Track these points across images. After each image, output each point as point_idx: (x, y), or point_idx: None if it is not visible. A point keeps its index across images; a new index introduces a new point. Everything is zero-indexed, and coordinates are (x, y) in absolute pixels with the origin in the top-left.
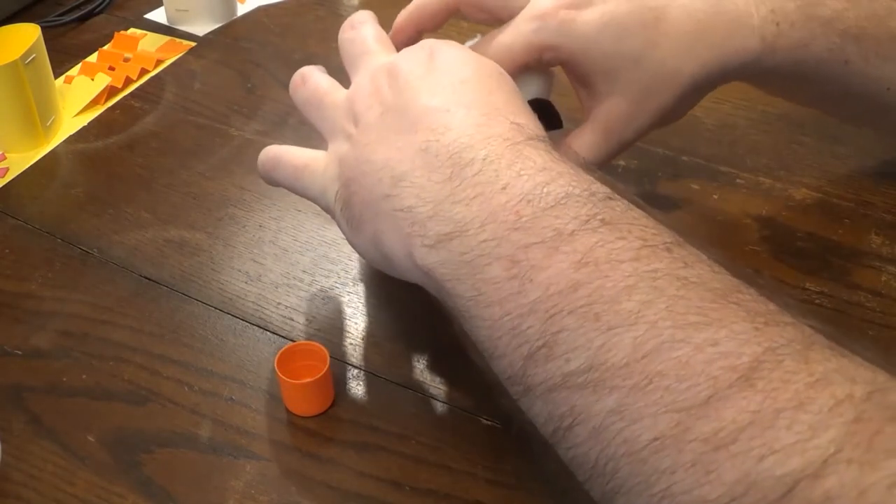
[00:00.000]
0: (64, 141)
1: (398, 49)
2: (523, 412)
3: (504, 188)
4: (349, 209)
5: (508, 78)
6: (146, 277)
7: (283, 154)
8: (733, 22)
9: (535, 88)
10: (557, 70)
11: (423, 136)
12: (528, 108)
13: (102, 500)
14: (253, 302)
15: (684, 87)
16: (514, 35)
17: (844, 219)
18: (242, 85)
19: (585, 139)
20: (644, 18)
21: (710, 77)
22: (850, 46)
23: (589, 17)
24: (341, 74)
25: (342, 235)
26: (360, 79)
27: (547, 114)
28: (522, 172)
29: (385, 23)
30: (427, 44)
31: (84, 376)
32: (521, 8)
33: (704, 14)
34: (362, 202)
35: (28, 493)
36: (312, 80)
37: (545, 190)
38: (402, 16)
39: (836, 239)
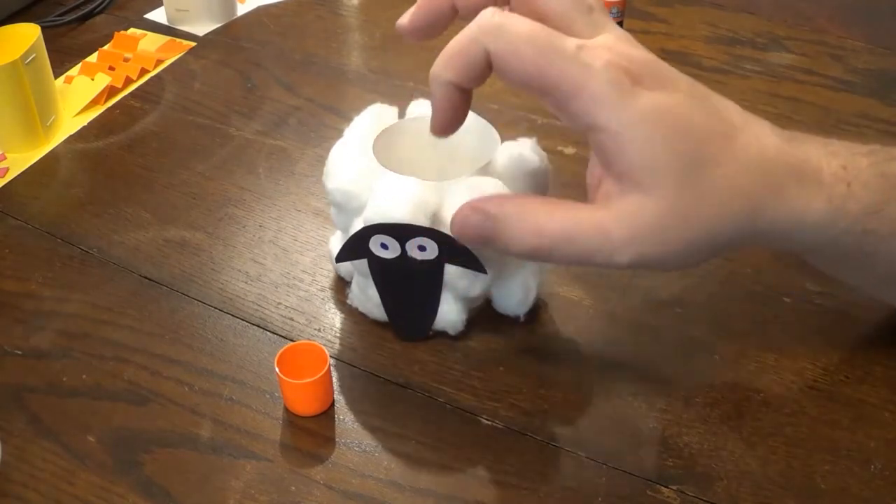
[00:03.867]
0: (64, 141)
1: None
2: None
3: None
4: None
5: None
6: (146, 277)
7: None
8: (802, 170)
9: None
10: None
11: None
12: None
13: (102, 500)
14: (253, 302)
15: (726, 224)
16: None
17: None
18: (242, 85)
19: (593, 222)
20: (713, 127)
21: (756, 223)
22: None
23: (649, 101)
24: (341, 74)
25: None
26: None
27: None
28: None
29: (385, 24)
30: None
31: (84, 376)
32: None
33: (776, 151)
34: None
35: (28, 493)
36: None
37: None
38: None
39: None
